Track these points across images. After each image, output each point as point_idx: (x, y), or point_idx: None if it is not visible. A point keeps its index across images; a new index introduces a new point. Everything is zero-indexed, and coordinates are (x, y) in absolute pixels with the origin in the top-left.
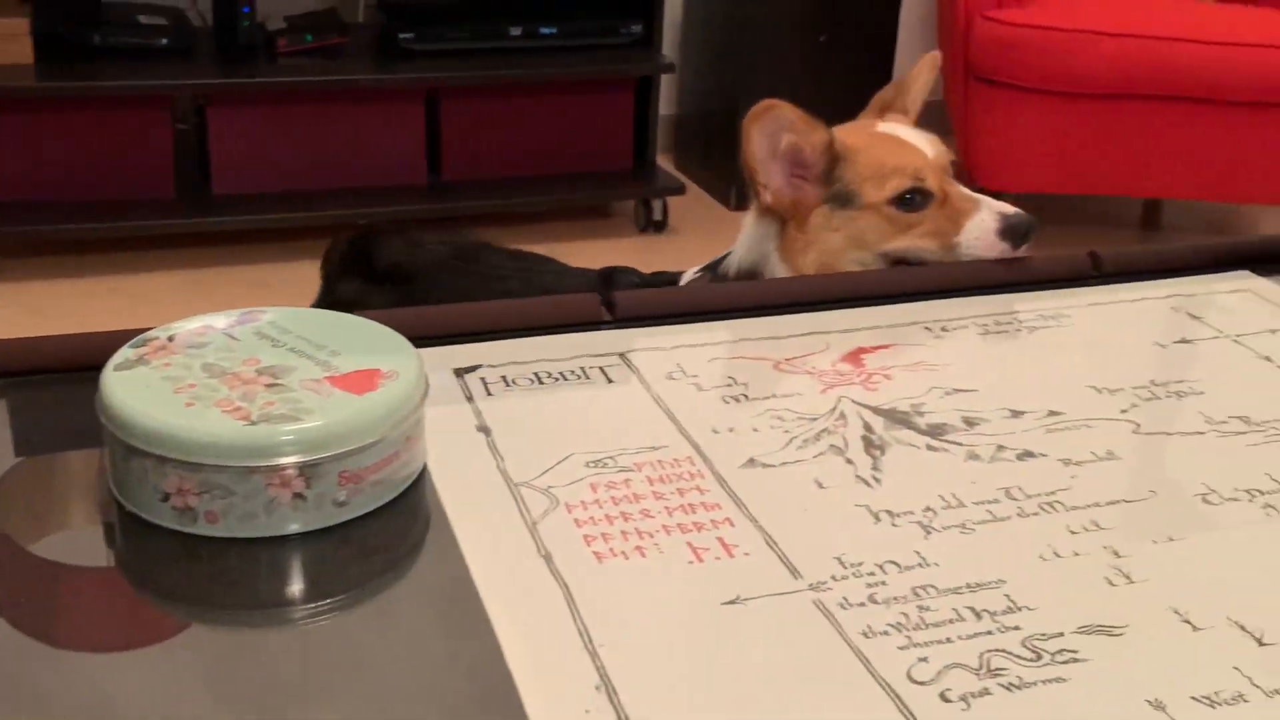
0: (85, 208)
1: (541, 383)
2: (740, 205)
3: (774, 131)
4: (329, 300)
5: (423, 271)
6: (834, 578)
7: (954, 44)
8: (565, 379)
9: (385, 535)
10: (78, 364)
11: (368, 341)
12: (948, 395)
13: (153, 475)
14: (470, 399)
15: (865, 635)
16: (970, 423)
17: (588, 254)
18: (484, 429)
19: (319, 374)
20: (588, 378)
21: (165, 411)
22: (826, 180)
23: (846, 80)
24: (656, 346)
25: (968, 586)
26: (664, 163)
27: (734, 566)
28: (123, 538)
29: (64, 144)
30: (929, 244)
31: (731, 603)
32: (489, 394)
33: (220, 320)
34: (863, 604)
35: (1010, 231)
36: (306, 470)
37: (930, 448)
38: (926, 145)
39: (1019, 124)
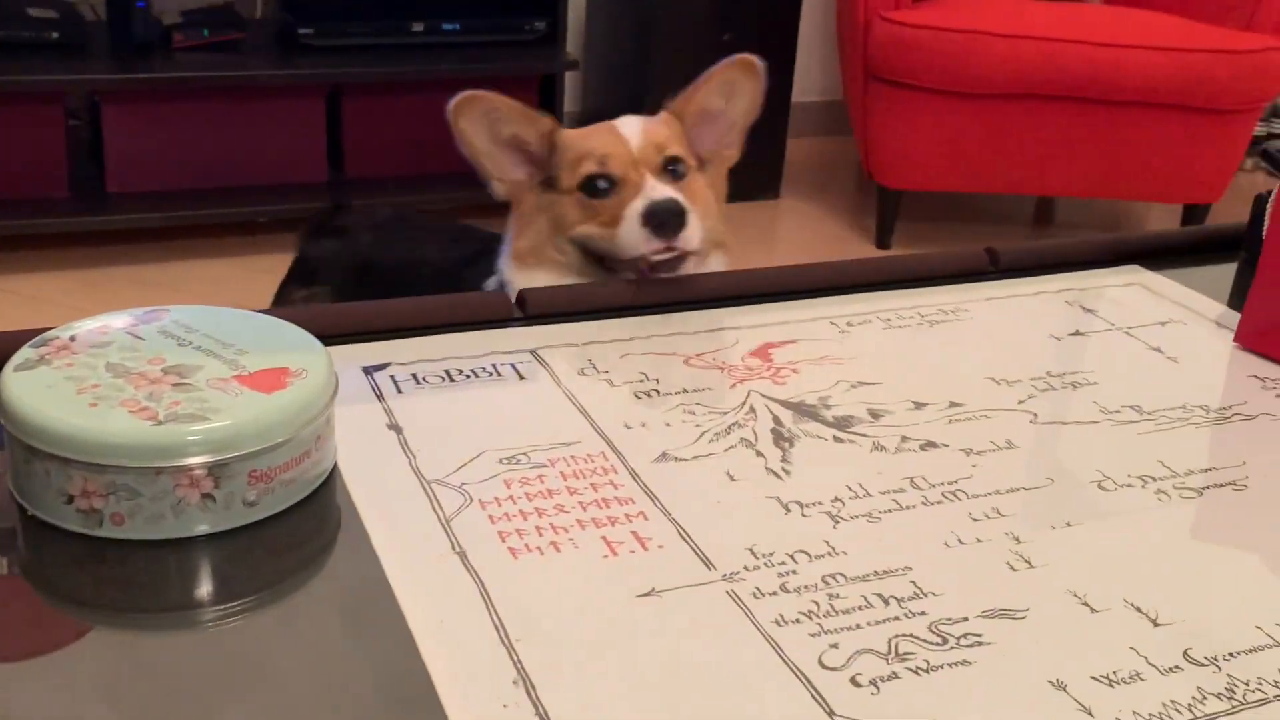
0: None
1: (452, 380)
2: None
3: (489, 123)
4: (301, 261)
5: (369, 228)
6: (746, 568)
7: (854, 44)
8: (476, 376)
9: (296, 535)
10: None
11: (276, 340)
12: (853, 388)
13: (56, 477)
14: (380, 397)
15: (778, 624)
16: (875, 415)
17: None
18: (395, 427)
19: (227, 373)
20: (499, 375)
21: (69, 412)
22: (546, 168)
23: None
24: (568, 342)
25: (875, 574)
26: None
27: (648, 559)
28: (25, 542)
29: None
30: (601, 233)
31: (647, 595)
32: (399, 392)
33: (123, 319)
34: (775, 593)
35: (650, 217)
36: (215, 470)
37: (837, 439)
38: (637, 135)
39: (916, 123)
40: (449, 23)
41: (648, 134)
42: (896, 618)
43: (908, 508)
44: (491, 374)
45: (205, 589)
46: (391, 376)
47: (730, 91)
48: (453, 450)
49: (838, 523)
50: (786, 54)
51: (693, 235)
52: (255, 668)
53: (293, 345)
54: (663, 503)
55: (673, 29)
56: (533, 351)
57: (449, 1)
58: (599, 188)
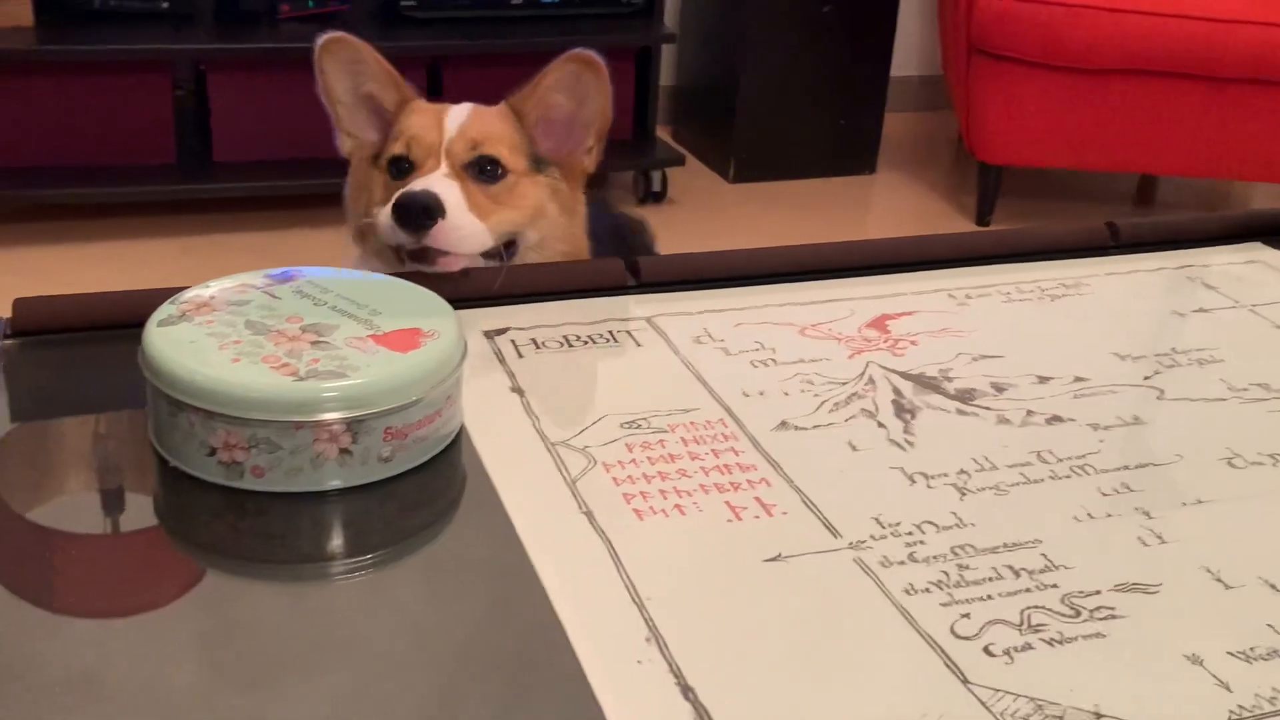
0: (86, 173)
1: (571, 346)
2: (739, 178)
3: (353, 73)
4: None
5: None
6: (873, 537)
7: (956, 17)
8: (594, 342)
9: (427, 491)
10: (116, 321)
11: (405, 302)
12: (975, 361)
13: (200, 430)
14: (502, 361)
15: (908, 592)
16: (998, 388)
17: None
18: (518, 390)
19: (363, 332)
20: (616, 341)
21: (212, 366)
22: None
23: (846, 53)
24: (683, 311)
25: (1005, 546)
26: (662, 134)
27: (773, 525)
28: (165, 493)
29: (64, 108)
30: (381, 215)
31: (773, 560)
32: (520, 356)
33: (258, 279)
34: (903, 562)
35: (397, 208)
36: (353, 426)
37: (960, 412)
38: (456, 125)
39: (1019, 98)
40: None
41: (470, 126)
42: (1028, 589)
43: (1035, 481)
44: (609, 340)
45: (340, 541)
46: (512, 341)
47: (575, 91)
48: (575, 414)
49: (964, 495)
50: (887, 27)
51: (450, 235)
52: (393, 619)
53: (422, 307)
54: (785, 470)
55: (770, 2)
56: (648, 319)
57: None
58: (401, 169)
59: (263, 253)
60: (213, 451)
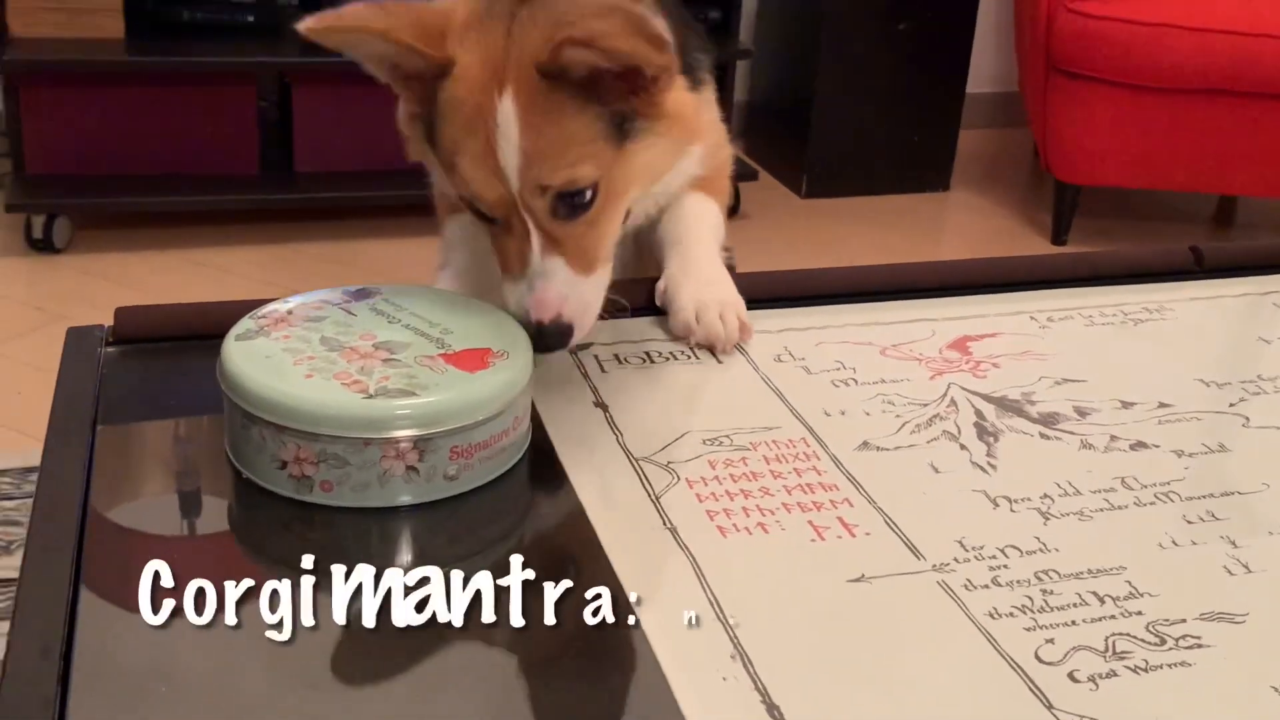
0: (171, 182)
1: (652, 362)
2: (811, 193)
3: (354, 48)
4: None
5: None
6: (956, 560)
7: (1035, 35)
8: (675, 358)
9: (493, 510)
10: (208, 331)
11: (478, 322)
12: (1057, 385)
13: (271, 444)
14: (585, 376)
15: (991, 616)
16: (1081, 412)
17: None
18: (601, 405)
19: (433, 350)
20: (697, 359)
21: (286, 382)
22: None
23: (922, 69)
24: (763, 330)
25: (1089, 572)
26: (734, 148)
27: (856, 546)
28: (238, 503)
29: (152, 118)
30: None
31: (857, 580)
32: (603, 371)
33: (337, 295)
34: (986, 586)
35: (536, 343)
36: (420, 444)
37: (1043, 436)
38: (512, 167)
39: (1098, 117)
40: None
41: (529, 163)
42: (1113, 616)
43: (1119, 507)
44: (689, 357)
45: (407, 555)
46: (595, 356)
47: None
48: (657, 429)
49: (1048, 519)
50: (963, 44)
51: (581, 328)
52: (472, 630)
53: (495, 328)
54: (867, 491)
55: (846, 18)
56: None
57: None
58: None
59: (342, 262)
60: (284, 465)
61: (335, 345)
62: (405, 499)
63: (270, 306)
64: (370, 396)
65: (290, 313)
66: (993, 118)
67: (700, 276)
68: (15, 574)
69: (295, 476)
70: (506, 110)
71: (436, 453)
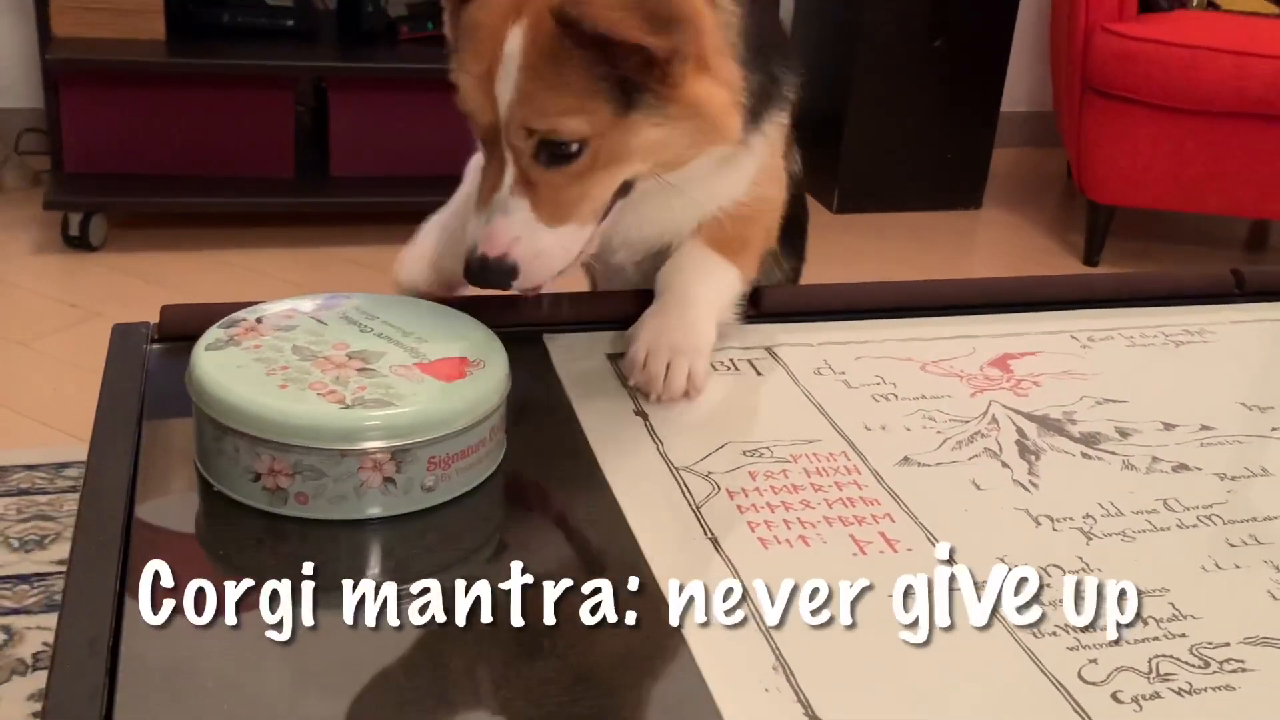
0: (208, 183)
1: None
2: (843, 208)
3: None
4: None
5: None
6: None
7: (1071, 55)
8: (714, 369)
9: (469, 521)
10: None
11: (452, 329)
12: (1099, 405)
13: (245, 455)
14: (625, 384)
15: (1034, 635)
16: (1123, 433)
17: None
18: (640, 414)
19: (408, 360)
20: (736, 369)
21: (259, 392)
22: None
23: (957, 87)
24: (803, 342)
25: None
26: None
27: (897, 561)
28: (207, 517)
29: (191, 120)
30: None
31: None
32: None
33: (307, 304)
34: (1029, 605)
35: (470, 275)
36: (397, 455)
37: (1085, 456)
38: (505, 98)
39: (1134, 139)
40: None
41: (521, 100)
42: (1156, 638)
43: (1162, 529)
44: (729, 368)
45: (380, 567)
46: None
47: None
48: (697, 439)
49: (1090, 540)
50: (999, 62)
51: (533, 274)
52: (514, 633)
53: (469, 335)
54: (909, 506)
55: (882, 34)
56: (768, 349)
57: None
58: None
59: (375, 267)
60: (257, 477)
61: (308, 355)
62: (380, 511)
63: (240, 315)
64: (347, 407)
65: (259, 321)
66: (1026, 136)
67: (669, 321)
68: (50, 568)
69: (269, 489)
70: (514, 44)
71: (414, 464)
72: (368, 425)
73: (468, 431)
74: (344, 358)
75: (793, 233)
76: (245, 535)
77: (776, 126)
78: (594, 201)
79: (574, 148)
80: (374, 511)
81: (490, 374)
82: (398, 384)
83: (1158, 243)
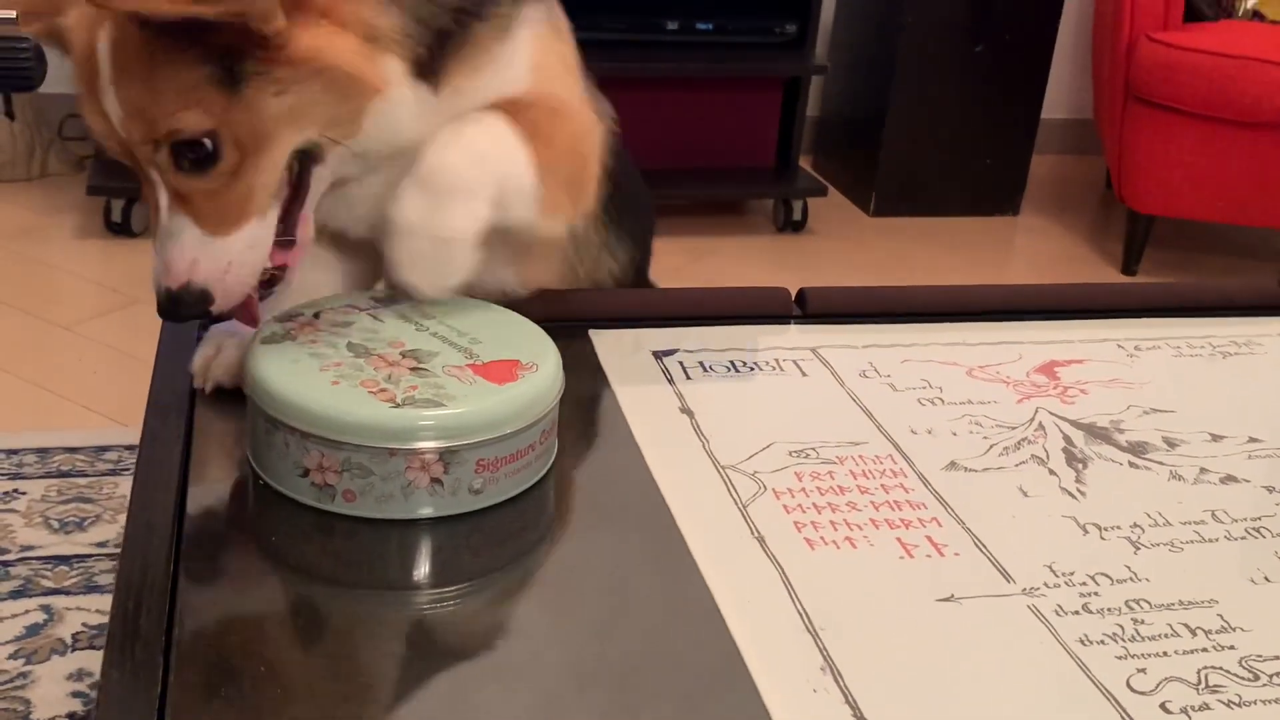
0: None
1: (737, 370)
2: (880, 211)
3: None
4: None
5: None
6: (1046, 585)
7: (1114, 63)
8: (759, 369)
9: (516, 524)
10: None
11: (508, 332)
12: (1146, 414)
13: (294, 450)
14: (670, 381)
15: (1082, 643)
16: (1171, 443)
17: (723, 249)
18: (687, 411)
19: (461, 361)
20: (781, 370)
21: (312, 388)
22: None
23: (997, 93)
24: (848, 344)
25: (1180, 603)
26: (802, 164)
27: (945, 565)
28: (257, 509)
29: None
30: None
31: (946, 600)
32: (688, 378)
33: (363, 301)
34: (1077, 612)
35: (164, 314)
36: (446, 456)
37: (1132, 465)
38: (112, 107)
39: (1176, 148)
40: (703, 22)
41: (128, 112)
42: (1205, 649)
43: (1210, 540)
44: (774, 368)
45: (425, 570)
46: (680, 362)
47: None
48: (743, 438)
49: (1138, 549)
50: (1040, 69)
51: (229, 295)
52: (568, 632)
53: (524, 339)
54: (955, 511)
55: (922, 39)
56: (813, 350)
57: (703, 1)
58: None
59: None
60: (306, 473)
61: (363, 352)
62: (428, 511)
63: (297, 309)
64: (397, 406)
65: (317, 317)
66: (1064, 144)
67: (434, 175)
68: (90, 550)
69: (318, 485)
70: (103, 56)
71: (462, 466)
72: (418, 425)
73: (517, 435)
74: (398, 356)
75: (624, 210)
76: (294, 529)
77: (533, 26)
78: (263, 191)
79: (208, 145)
80: (424, 512)
81: (542, 378)
82: (450, 385)
83: (1197, 253)
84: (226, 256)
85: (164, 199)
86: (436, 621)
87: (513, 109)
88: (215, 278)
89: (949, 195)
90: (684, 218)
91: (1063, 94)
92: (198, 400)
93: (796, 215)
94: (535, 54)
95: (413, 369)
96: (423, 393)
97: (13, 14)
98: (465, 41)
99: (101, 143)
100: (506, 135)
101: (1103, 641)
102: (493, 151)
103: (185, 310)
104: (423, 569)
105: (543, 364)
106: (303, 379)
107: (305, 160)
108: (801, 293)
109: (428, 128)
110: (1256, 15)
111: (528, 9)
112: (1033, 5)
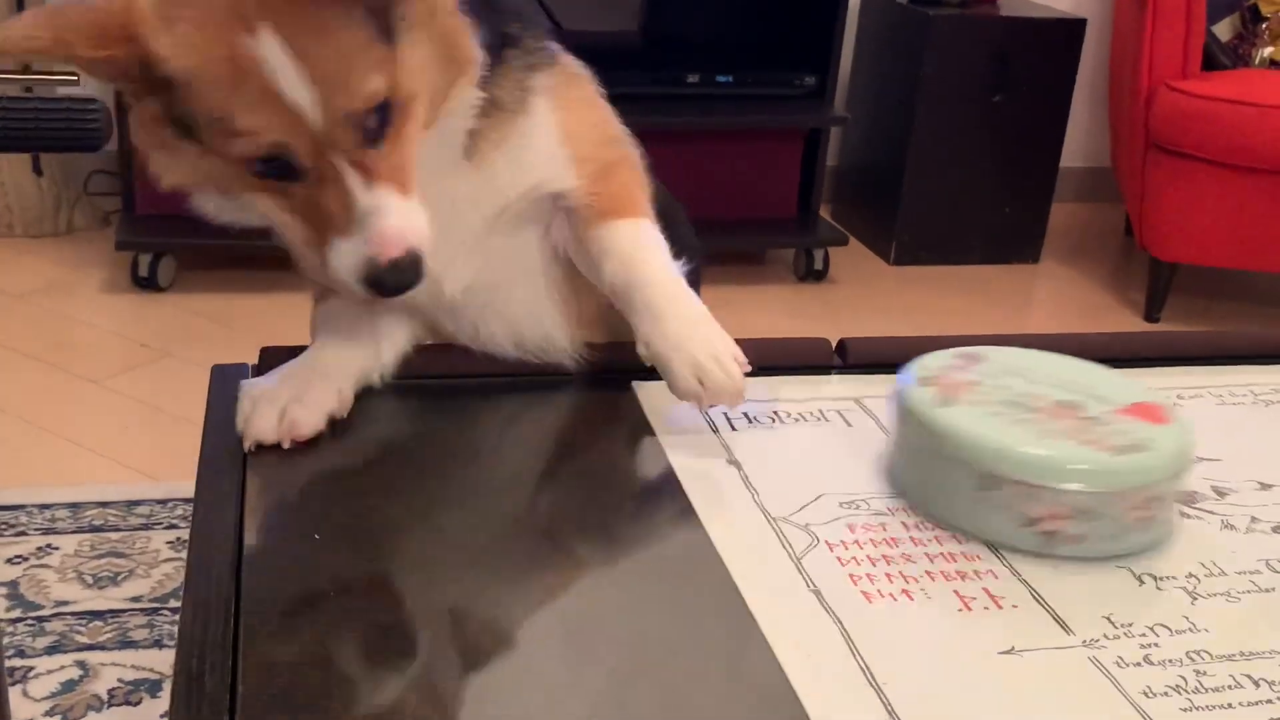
0: None
1: (781, 421)
2: (900, 260)
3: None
4: None
5: None
6: (1106, 636)
7: (1134, 112)
8: (804, 419)
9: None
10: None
11: (1096, 377)
12: (1193, 463)
13: (1014, 500)
14: (715, 431)
15: (1146, 695)
16: (1220, 492)
17: (745, 299)
18: (734, 462)
19: (1105, 408)
20: (826, 420)
21: (1028, 444)
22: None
23: (1016, 142)
24: (891, 395)
25: (1242, 654)
26: (822, 213)
27: (1003, 618)
28: (313, 560)
29: None
30: (301, 240)
31: (1007, 653)
32: (733, 429)
33: (949, 359)
34: (1139, 664)
35: (373, 284)
36: (1152, 496)
37: (1184, 514)
38: (309, 98)
39: (1198, 196)
40: (723, 75)
41: (323, 93)
42: (1270, 700)
43: (1266, 590)
44: (819, 419)
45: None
46: (724, 413)
47: None
48: (793, 490)
49: (1195, 599)
50: (1058, 119)
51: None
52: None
53: (1116, 381)
54: (1010, 562)
55: (941, 89)
56: (857, 400)
57: (723, 54)
58: (281, 171)
59: None
60: (1032, 522)
61: (1023, 406)
62: (1138, 546)
63: (930, 373)
64: (1118, 452)
65: (951, 378)
66: (1083, 192)
67: (680, 327)
68: (123, 604)
69: (1048, 532)
70: (271, 46)
71: (1161, 502)
72: (1146, 468)
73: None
74: (1052, 405)
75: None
76: (353, 580)
77: (561, 73)
78: (415, 154)
79: (387, 114)
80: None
81: (1180, 415)
82: (1134, 428)
83: (1219, 300)
84: (422, 216)
85: (353, 179)
86: (495, 676)
87: (618, 204)
88: (424, 238)
89: (969, 243)
90: (705, 268)
91: (1079, 142)
92: (250, 456)
93: (818, 265)
94: (565, 122)
95: (1082, 419)
96: (1116, 439)
97: (75, 77)
98: (490, 104)
99: (276, 145)
100: (656, 240)
101: (1166, 693)
102: (675, 273)
103: (410, 277)
104: (464, 626)
105: (1161, 399)
106: (1012, 435)
107: None
108: (842, 343)
109: (460, 188)
110: (1274, 64)
111: (540, 78)
112: (1050, 55)
